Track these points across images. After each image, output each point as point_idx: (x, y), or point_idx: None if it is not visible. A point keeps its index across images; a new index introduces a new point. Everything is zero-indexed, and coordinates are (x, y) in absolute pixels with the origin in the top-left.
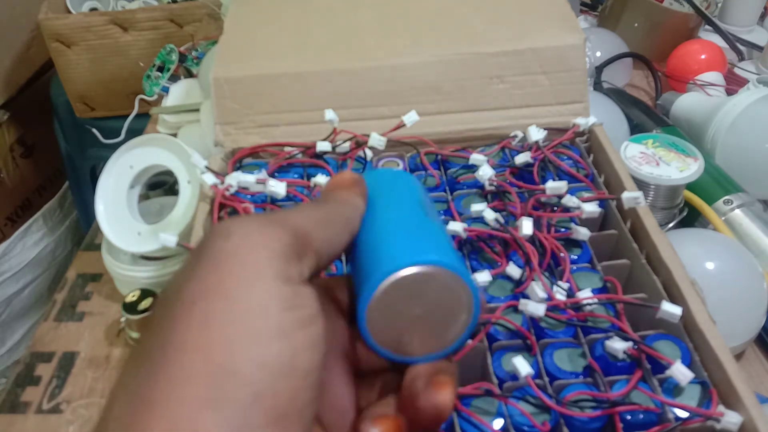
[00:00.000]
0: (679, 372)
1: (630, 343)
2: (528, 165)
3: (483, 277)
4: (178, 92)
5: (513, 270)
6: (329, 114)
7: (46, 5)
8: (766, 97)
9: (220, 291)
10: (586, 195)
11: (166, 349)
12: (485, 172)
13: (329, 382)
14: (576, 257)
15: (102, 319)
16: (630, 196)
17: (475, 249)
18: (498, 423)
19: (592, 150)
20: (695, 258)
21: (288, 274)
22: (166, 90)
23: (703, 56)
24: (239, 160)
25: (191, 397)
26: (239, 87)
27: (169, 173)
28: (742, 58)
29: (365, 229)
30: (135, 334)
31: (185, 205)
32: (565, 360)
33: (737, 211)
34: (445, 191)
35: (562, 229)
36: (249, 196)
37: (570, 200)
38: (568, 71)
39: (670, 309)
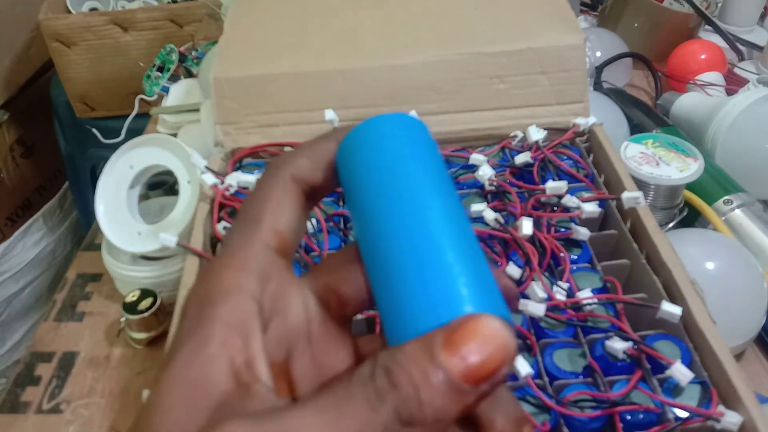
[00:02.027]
0: (679, 372)
1: (630, 343)
2: (528, 165)
3: None
4: (178, 92)
5: (513, 270)
6: (329, 114)
7: (46, 5)
8: (766, 97)
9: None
10: (586, 195)
11: None
12: (485, 172)
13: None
14: (576, 257)
15: (102, 319)
16: (630, 196)
17: None
18: None
19: (592, 150)
20: (695, 258)
21: None
22: (166, 90)
23: (703, 56)
24: (239, 160)
25: None
26: (239, 87)
27: (169, 173)
28: (742, 58)
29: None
30: (135, 334)
31: (185, 205)
32: (565, 360)
33: (737, 211)
34: None
35: (562, 229)
36: None
37: (570, 200)
38: (568, 71)
39: (670, 309)
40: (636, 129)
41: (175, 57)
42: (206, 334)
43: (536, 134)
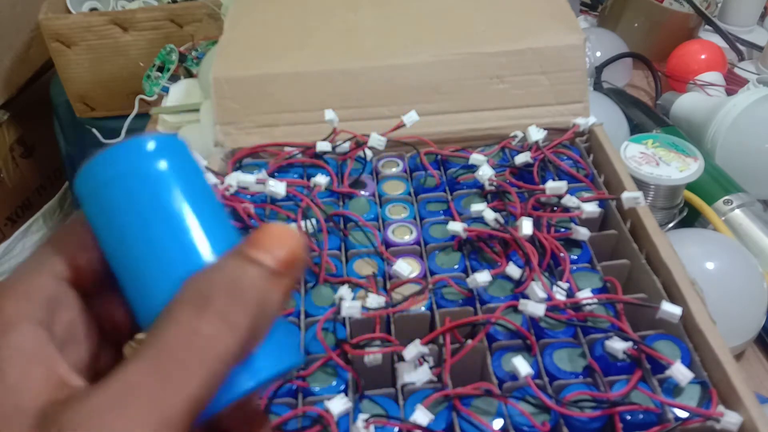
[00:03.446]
0: (679, 372)
1: (630, 343)
2: (528, 165)
3: (483, 277)
4: (178, 92)
5: (513, 270)
6: (329, 114)
7: (46, 5)
8: (766, 97)
9: None
10: (586, 195)
11: None
12: (485, 172)
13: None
14: (576, 257)
15: None
16: (630, 196)
17: (475, 249)
18: (498, 423)
19: (592, 150)
20: (695, 258)
21: None
22: (166, 90)
23: (703, 56)
24: (239, 160)
25: None
26: (239, 87)
27: None
28: (742, 58)
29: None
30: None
31: None
32: (565, 360)
33: (737, 211)
34: (445, 191)
35: (562, 229)
36: (249, 196)
37: (570, 200)
38: (568, 71)
39: (670, 309)
40: (636, 129)
41: (175, 57)
42: (1, 367)
43: (536, 134)
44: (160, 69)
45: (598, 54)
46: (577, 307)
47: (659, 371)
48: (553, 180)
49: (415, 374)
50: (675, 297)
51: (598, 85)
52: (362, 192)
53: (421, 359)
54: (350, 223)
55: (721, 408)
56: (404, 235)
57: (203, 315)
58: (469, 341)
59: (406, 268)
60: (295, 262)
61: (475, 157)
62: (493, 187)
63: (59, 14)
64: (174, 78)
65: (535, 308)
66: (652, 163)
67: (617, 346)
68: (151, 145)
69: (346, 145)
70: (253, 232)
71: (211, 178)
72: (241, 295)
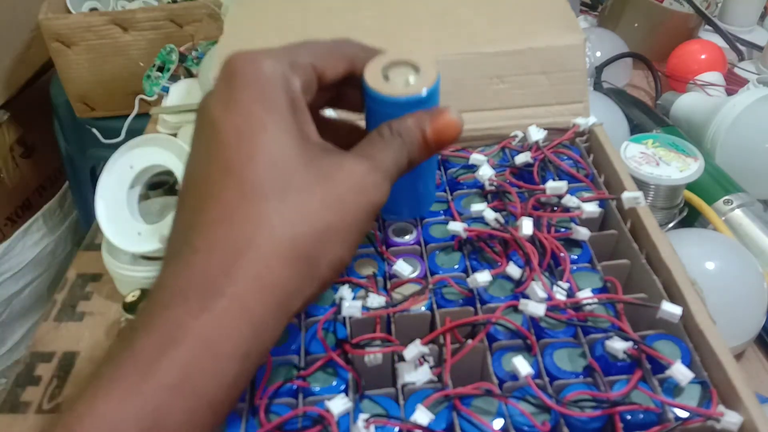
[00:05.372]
0: (679, 372)
1: (630, 343)
2: (528, 165)
3: (483, 277)
4: (178, 92)
5: (513, 270)
6: (329, 113)
7: (46, 5)
8: (766, 97)
9: (233, 170)
10: (586, 195)
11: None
12: (485, 172)
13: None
14: (576, 257)
15: (102, 319)
16: (630, 196)
17: (475, 249)
18: (498, 423)
19: (592, 150)
20: (695, 258)
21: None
22: (166, 90)
23: (703, 56)
24: None
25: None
26: None
27: (169, 173)
28: (742, 58)
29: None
30: None
31: None
32: (565, 360)
33: (737, 211)
34: (445, 191)
35: (562, 229)
36: None
37: (570, 200)
38: (568, 71)
39: (670, 309)
40: (636, 129)
41: (175, 57)
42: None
43: (536, 134)
44: (160, 69)
45: (598, 54)
46: (578, 307)
47: (659, 371)
48: (554, 180)
49: (416, 374)
50: (675, 297)
51: (598, 85)
52: None
53: (422, 359)
54: None
55: (721, 408)
56: (404, 235)
57: (402, 154)
58: (470, 341)
59: (406, 268)
60: (449, 142)
61: (475, 157)
62: (493, 187)
63: (59, 14)
64: (174, 78)
65: (536, 308)
66: (652, 163)
67: (617, 346)
68: None
69: None
70: (438, 113)
71: None
72: (414, 154)
